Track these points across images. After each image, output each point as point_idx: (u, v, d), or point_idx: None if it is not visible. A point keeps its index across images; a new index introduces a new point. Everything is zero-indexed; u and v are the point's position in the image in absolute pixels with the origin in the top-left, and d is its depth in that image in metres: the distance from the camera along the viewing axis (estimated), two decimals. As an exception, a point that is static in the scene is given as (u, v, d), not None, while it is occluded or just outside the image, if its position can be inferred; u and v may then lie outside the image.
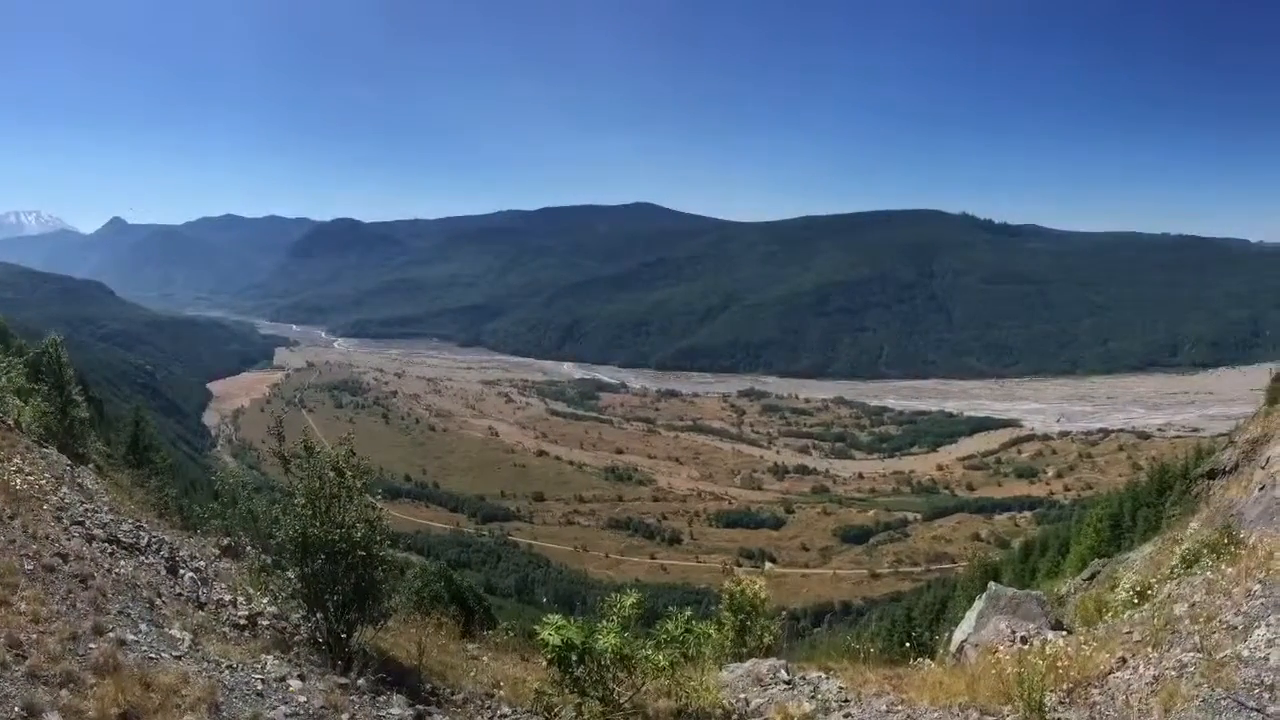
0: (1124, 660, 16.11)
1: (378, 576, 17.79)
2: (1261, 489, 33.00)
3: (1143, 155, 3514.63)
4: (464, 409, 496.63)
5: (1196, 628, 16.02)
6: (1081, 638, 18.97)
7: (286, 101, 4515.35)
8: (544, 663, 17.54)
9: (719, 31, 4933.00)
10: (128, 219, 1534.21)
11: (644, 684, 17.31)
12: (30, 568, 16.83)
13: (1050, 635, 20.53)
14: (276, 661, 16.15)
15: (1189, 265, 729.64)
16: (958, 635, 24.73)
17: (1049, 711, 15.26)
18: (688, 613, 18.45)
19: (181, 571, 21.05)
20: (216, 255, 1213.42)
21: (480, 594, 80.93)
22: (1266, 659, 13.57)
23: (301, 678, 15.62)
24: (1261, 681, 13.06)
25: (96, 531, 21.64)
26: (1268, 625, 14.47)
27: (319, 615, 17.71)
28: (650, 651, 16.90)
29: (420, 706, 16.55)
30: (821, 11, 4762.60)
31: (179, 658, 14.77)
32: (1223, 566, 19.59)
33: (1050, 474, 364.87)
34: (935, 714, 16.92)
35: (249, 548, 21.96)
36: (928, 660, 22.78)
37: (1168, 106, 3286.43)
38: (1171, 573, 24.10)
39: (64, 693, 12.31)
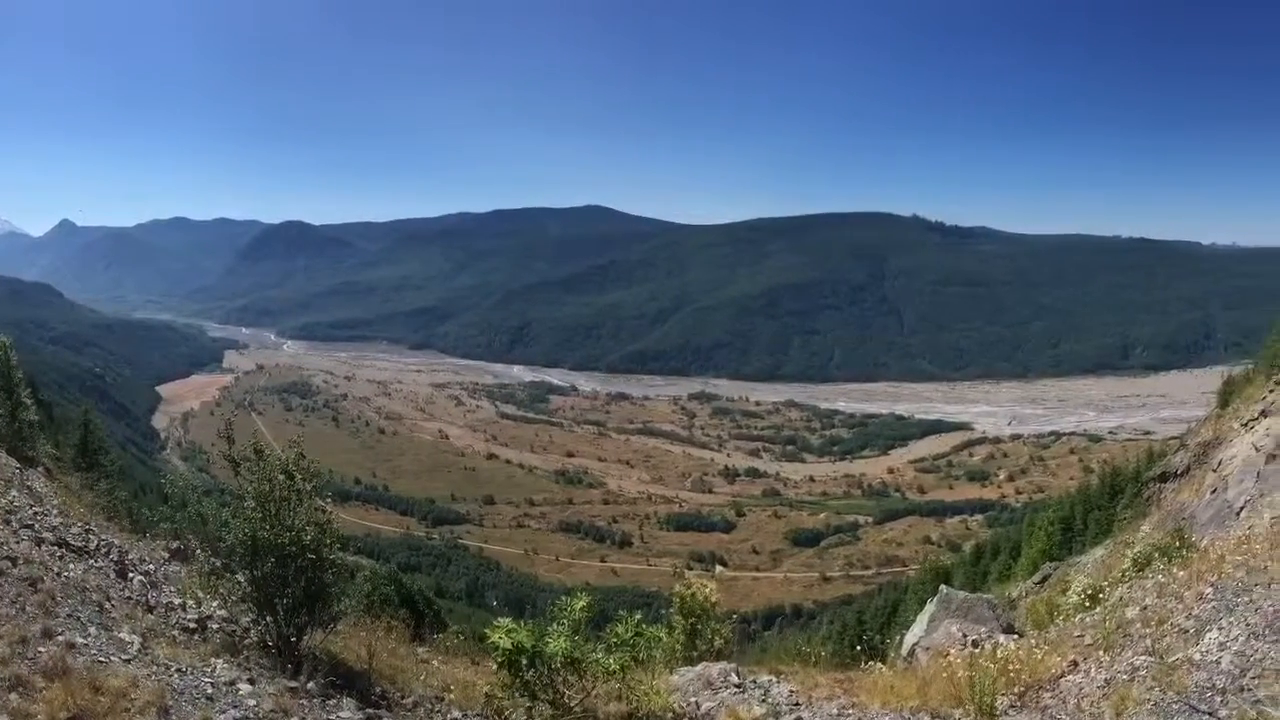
0: (1075, 664, 16.20)
1: (328, 580, 17.75)
2: (1213, 492, 33.22)
3: (1094, 157, 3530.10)
4: (414, 412, 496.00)
5: (1148, 631, 16.14)
6: (1033, 641, 19.10)
7: (236, 103, 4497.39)
8: (494, 666, 17.52)
9: (669, 34, 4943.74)
10: (77, 221, 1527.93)
11: (594, 688, 17.31)
12: (-21, 571, 16.75)
13: (1001, 639, 20.63)
14: (226, 665, 16.11)
15: (1140, 268, 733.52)
16: (909, 639, 24.82)
17: (1000, 715, 15.33)
18: (638, 616, 18.44)
19: (131, 575, 20.98)
20: (166, 258, 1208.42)
21: (430, 597, 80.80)
22: (1218, 662, 13.67)
23: (251, 681, 15.58)
24: (1213, 685, 13.15)
25: (46, 535, 21.53)
26: (1219, 629, 14.58)
27: (269, 619, 17.66)
28: (601, 655, 16.90)
29: (370, 710, 16.53)
30: (770, 14, 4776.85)
31: (128, 661, 14.73)
32: (1174, 570, 19.76)
33: (1002, 477, 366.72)
34: (886, 717, 16.97)
35: (198, 551, 21.84)
36: (879, 664, 22.80)
37: (1119, 108, 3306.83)
38: (1123, 576, 24.20)
39: (13, 696, 12.27)
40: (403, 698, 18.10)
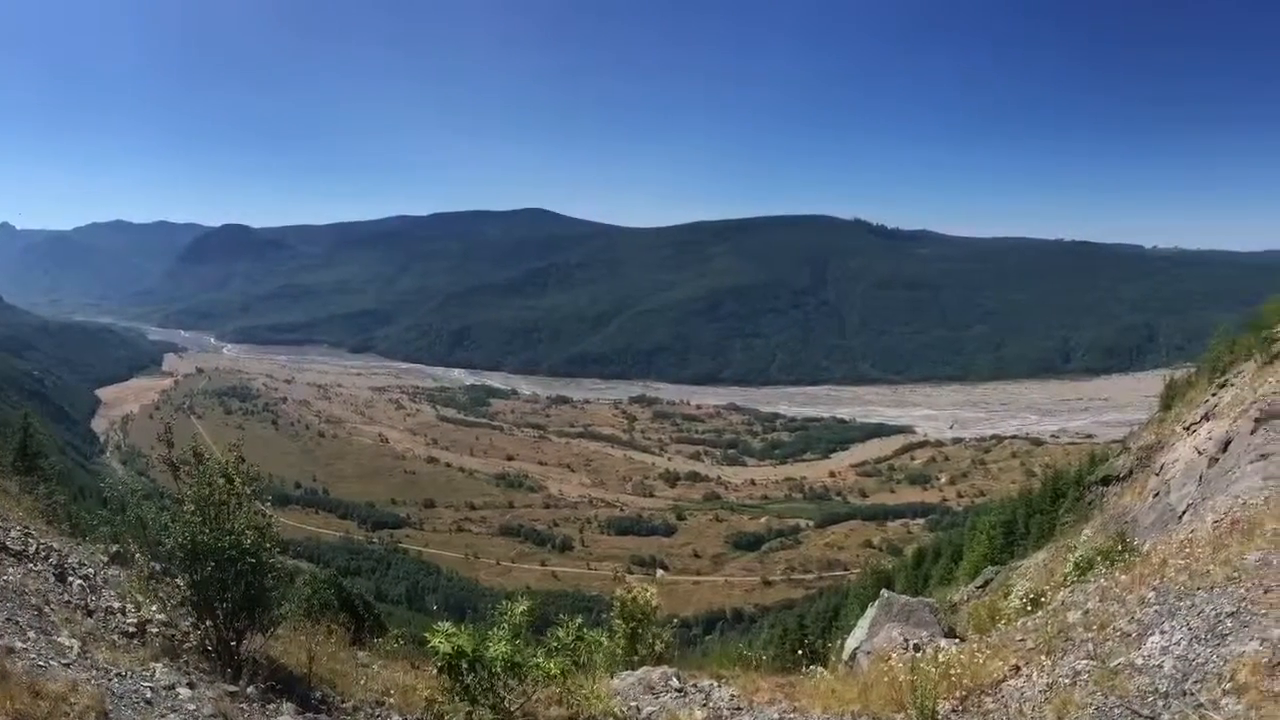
0: (1017, 668, 16.32)
1: (267, 584, 17.68)
2: (1156, 496, 33.53)
3: (1035, 161, 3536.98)
4: (354, 415, 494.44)
5: (1090, 635, 16.27)
6: (974, 645, 19.24)
7: (175, 106, 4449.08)
8: (434, 670, 17.52)
9: (607, 35, 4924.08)
10: (15, 224, 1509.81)
11: (535, 692, 17.33)
12: (-85, 576, 16.65)
13: (943, 643, 20.77)
14: (165, 669, 16.04)
15: (1082, 271, 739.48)
16: (850, 643, 24.91)
17: (941, 719, 15.43)
18: (579, 620, 18.48)
19: (70, 579, 20.86)
20: (106, 261, 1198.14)
21: (370, 601, 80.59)
22: (1160, 666, 13.83)
23: (190, 685, 15.53)
24: (1155, 689, 13.31)
25: (-17, 539, 21.39)
26: (1162, 633, 14.72)
27: (208, 623, 17.59)
28: (541, 659, 16.92)
29: (310, 714, 16.49)
30: (708, 14, 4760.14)
31: (68, 665, 14.67)
32: (1117, 574, 19.93)
33: (943, 480, 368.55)
34: (827, 722, 17.06)
35: (137, 555, 21.74)
36: (820, 668, 22.91)
37: (1061, 111, 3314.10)
38: (1065, 580, 24.42)
39: (-50, 701, 12.20)
40: (342, 702, 18.07)
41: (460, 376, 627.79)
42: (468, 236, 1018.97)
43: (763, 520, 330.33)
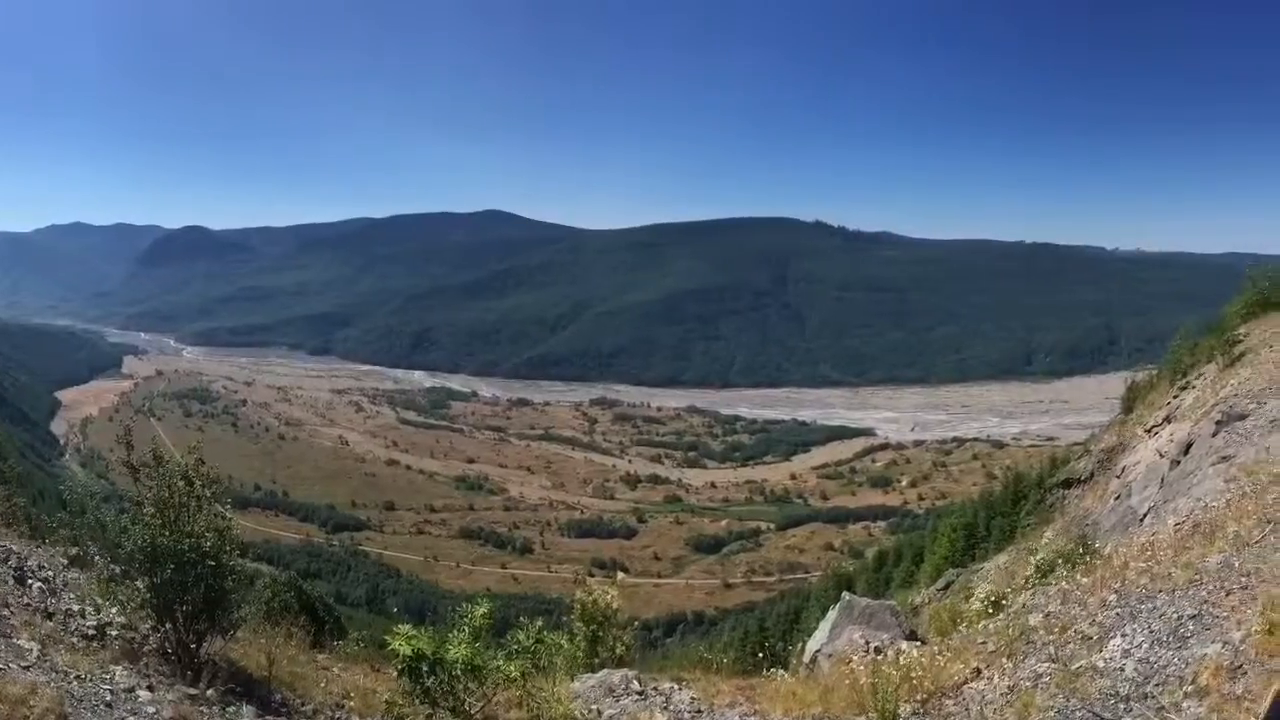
0: (979, 671, 16.36)
1: (227, 586, 17.64)
2: (1117, 498, 33.64)
3: (997, 162, 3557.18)
4: (314, 418, 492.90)
5: (1051, 638, 16.31)
6: (936, 648, 19.29)
7: (135, 107, 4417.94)
8: (394, 673, 17.53)
9: (567, 38, 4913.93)
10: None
11: (495, 695, 17.34)
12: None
13: (904, 646, 20.79)
14: (125, 672, 16.00)
15: (1044, 273, 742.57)
16: (811, 645, 24.92)
17: (903, 721, 15.49)
18: (539, 623, 18.49)
19: (29, 581, 20.78)
20: (65, 263, 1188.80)
21: (330, 604, 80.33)
22: (1122, 669, 13.87)
23: (150, 688, 15.50)
24: (1116, 692, 13.35)
25: (-59, 542, 21.33)
26: (1123, 635, 14.78)
27: (168, 625, 17.54)
28: (502, 662, 16.92)
29: (270, 717, 16.48)
30: (668, 16, 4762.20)
31: (27, 668, 14.62)
32: (1078, 576, 19.93)
33: (904, 483, 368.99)
34: (788, 723, 17.10)
35: (97, 557, 21.70)
36: (781, 671, 22.89)
37: (1023, 114, 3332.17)
38: (1026, 583, 24.47)
39: (-91, 704, 12.17)
40: (302, 704, 18.04)
41: (420, 379, 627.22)
42: (429, 238, 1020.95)
43: (723, 523, 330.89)
